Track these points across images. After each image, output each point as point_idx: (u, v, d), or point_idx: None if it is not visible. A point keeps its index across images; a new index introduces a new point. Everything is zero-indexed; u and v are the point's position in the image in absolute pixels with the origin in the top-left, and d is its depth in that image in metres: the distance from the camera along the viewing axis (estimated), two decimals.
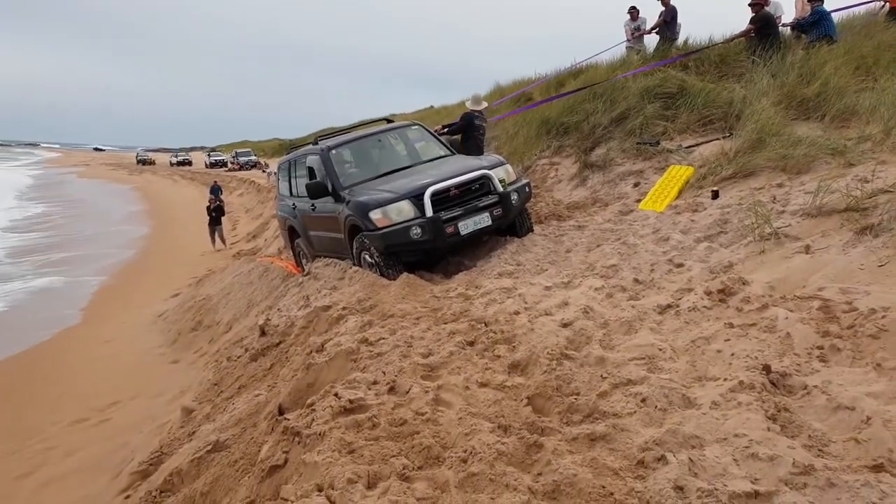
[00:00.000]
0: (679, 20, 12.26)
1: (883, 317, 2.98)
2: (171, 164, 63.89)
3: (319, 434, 3.04)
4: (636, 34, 12.87)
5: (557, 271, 5.52)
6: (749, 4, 10.03)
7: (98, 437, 6.55)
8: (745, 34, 10.12)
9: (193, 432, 4.92)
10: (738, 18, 13.69)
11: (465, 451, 2.64)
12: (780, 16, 10.66)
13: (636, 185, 8.11)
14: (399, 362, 3.75)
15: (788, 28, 10.37)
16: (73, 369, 9.06)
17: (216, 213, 18.93)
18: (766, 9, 10.03)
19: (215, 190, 27.08)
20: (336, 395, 3.36)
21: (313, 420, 3.22)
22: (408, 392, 3.36)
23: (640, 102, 9.28)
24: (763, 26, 9.75)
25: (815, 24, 9.77)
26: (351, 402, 3.28)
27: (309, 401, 3.55)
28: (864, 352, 2.88)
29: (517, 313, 4.42)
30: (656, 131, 8.81)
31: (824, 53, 8.28)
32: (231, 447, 4.03)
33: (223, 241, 19.17)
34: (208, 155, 62.05)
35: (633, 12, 12.82)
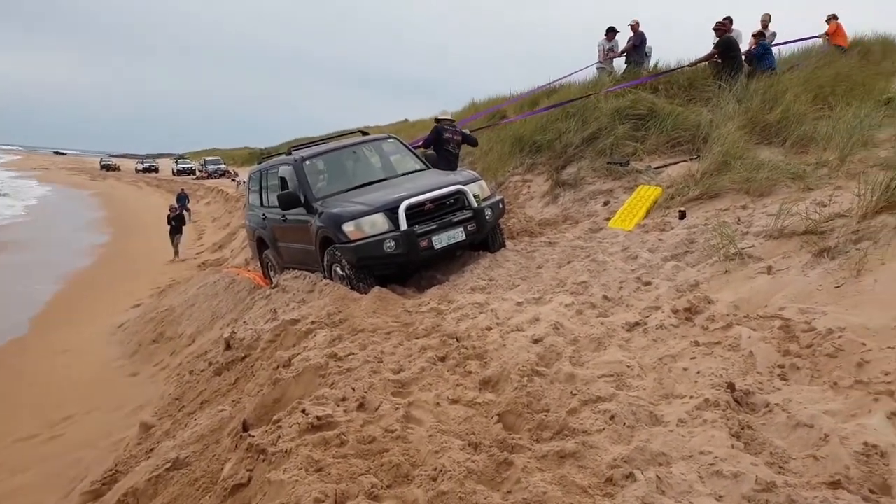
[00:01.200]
0: (650, 45, 12.87)
1: (839, 337, 3.08)
2: (137, 171, 64.20)
3: (285, 451, 2.99)
4: (609, 55, 13.31)
5: (529, 287, 5.56)
6: (713, 29, 10.55)
7: (49, 454, 6.31)
8: (708, 58, 10.54)
9: (152, 449, 4.78)
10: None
11: (434, 469, 2.63)
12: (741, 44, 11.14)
13: (606, 203, 8.24)
14: (369, 378, 3.73)
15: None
16: (24, 381, 8.76)
17: (176, 223, 18.50)
18: (729, 34, 10.43)
19: (182, 198, 26.59)
20: (303, 411, 3.32)
21: (279, 437, 3.17)
22: (377, 409, 3.33)
23: (611, 123, 9.46)
24: (725, 50, 10.17)
25: (761, 57, 10.30)
26: (319, 418, 3.24)
27: (275, 417, 3.50)
28: (821, 370, 2.96)
29: (489, 329, 4.43)
30: (626, 151, 8.98)
31: (786, 81, 8.57)
32: (192, 465, 3.92)
33: (176, 252, 18.58)
34: (176, 162, 61.83)
35: (611, 34, 13.32)
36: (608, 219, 7.51)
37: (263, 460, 3.07)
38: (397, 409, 3.28)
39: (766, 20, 12.30)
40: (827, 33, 12.68)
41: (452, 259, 6.98)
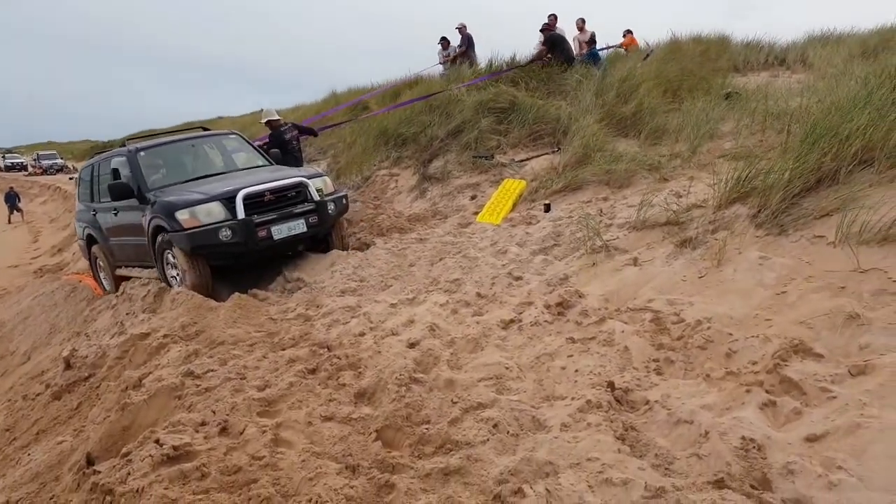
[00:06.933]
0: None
1: (708, 328, 3.17)
2: None
3: (137, 490, 2.65)
4: (447, 59, 14.24)
5: (402, 287, 5.40)
6: (541, 30, 11.73)
7: None
8: (540, 56, 11.37)
9: None
10: None
11: (309, 500, 2.41)
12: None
13: (473, 197, 8.25)
14: (231, 398, 3.40)
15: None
16: None
17: None
18: (554, 32, 11.64)
19: (11, 197, 23.69)
20: (157, 441, 2.98)
21: (129, 473, 2.81)
22: (242, 433, 3.04)
23: (474, 116, 9.52)
24: (552, 46, 11.15)
25: (592, 61, 11.71)
26: (175, 448, 2.91)
27: (125, 449, 3.11)
28: (694, 363, 3.03)
29: (362, 334, 4.23)
30: (490, 145, 9.06)
31: (638, 76, 9.00)
32: None
33: None
34: (3, 157, 55.85)
35: (444, 42, 14.42)
36: (476, 213, 7.52)
37: (111, 502, 2.70)
38: (264, 431, 3.00)
39: (580, 24, 13.69)
40: (623, 44, 14.90)
41: (321, 260, 6.70)
